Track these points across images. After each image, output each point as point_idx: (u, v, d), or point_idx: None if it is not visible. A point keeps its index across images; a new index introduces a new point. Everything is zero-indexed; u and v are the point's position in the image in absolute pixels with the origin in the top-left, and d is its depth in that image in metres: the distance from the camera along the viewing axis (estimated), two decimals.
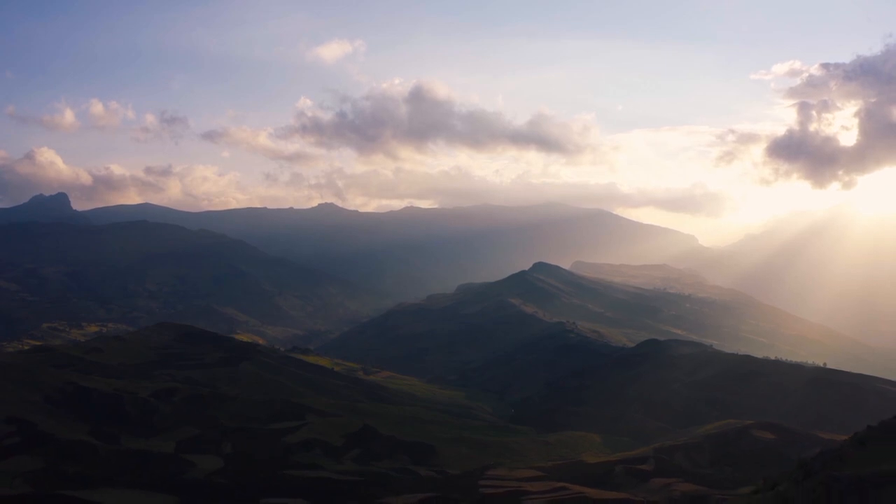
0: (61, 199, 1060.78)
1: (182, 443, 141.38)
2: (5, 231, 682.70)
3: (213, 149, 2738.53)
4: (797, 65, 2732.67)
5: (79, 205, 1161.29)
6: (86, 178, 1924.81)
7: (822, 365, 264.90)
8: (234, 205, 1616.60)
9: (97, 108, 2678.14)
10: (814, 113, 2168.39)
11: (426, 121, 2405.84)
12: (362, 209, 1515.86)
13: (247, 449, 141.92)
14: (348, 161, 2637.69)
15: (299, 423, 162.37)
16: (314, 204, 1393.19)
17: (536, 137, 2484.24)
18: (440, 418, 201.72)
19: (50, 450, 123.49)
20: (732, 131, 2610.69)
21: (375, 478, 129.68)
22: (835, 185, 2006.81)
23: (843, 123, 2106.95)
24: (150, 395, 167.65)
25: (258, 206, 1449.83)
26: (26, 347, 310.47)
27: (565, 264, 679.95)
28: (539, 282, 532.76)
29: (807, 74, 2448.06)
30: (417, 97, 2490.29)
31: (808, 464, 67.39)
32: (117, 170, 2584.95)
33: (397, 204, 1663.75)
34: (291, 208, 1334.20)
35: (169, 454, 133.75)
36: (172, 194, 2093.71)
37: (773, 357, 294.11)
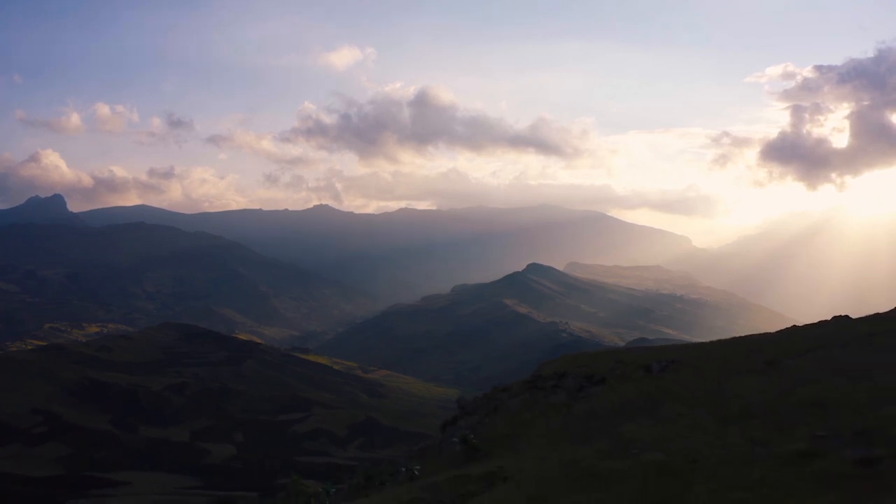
0: (58, 200, 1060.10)
1: (196, 432, 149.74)
2: (3, 233, 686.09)
3: (216, 152, 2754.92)
4: (791, 67, 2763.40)
5: (75, 206, 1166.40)
6: (87, 181, 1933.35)
7: None
8: (234, 207, 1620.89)
9: (103, 111, 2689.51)
10: (806, 115, 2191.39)
11: (429, 125, 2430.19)
12: (361, 210, 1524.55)
13: (257, 438, 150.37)
14: (349, 164, 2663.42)
15: (305, 414, 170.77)
16: (310, 206, 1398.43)
17: (535, 141, 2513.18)
18: (438, 413, 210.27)
19: (76, 437, 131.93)
20: (727, 134, 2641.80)
21: (379, 463, 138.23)
22: (828, 187, 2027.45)
23: (835, 125, 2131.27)
24: (163, 390, 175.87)
25: (255, 207, 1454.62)
26: (30, 347, 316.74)
27: (560, 266, 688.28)
28: (533, 283, 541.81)
29: (801, 77, 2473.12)
30: (421, 102, 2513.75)
31: None
32: (119, 172, 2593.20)
33: (395, 206, 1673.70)
34: (287, 210, 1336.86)
35: (185, 442, 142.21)
36: (172, 196, 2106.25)
37: None
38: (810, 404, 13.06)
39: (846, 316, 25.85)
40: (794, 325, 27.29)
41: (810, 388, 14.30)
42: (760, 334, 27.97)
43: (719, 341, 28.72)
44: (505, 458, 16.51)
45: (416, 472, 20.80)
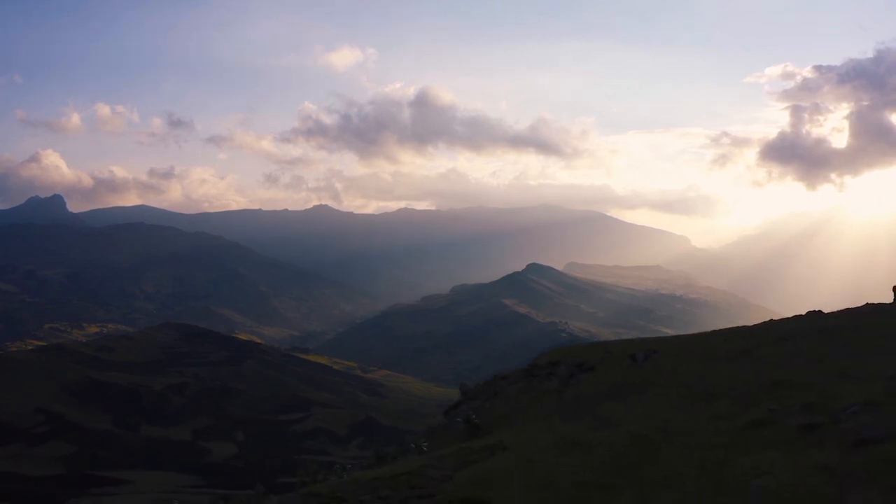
0: (57, 200, 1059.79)
1: (197, 431, 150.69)
2: (3, 233, 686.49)
3: (216, 152, 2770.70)
4: (790, 67, 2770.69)
5: (75, 206, 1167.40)
6: (87, 181, 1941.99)
7: None
8: (234, 207, 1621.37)
9: (103, 111, 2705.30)
10: (806, 116, 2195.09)
11: (429, 126, 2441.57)
12: (361, 211, 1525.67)
13: (258, 437, 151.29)
14: (349, 164, 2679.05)
15: (305, 414, 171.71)
16: (310, 206, 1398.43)
17: (535, 141, 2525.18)
18: (438, 413, 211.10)
19: (78, 437, 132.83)
20: (726, 134, 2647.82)
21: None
22: (828, 188, 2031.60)
23: (834, 126, 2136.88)
24: (164, 389, 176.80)
25: (255, 207, 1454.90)
26: (30, 347, 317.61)
27: (559, 266, 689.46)
28: (533, 283, 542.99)
29: (800, 77, 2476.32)
30: (421, 102, 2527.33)
31: None
32: (119, 172, 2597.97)
33: (395, 206, 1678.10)
34: (286, 210, 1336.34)
35: (186, 441, 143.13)
36: (172, 196, 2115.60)
37: None
38: (772, 385, 14.40)
39: (819, 311, 27.27)
40: (771, 319, 28.64)
41: (774, 373, 15.75)
42: (739, 327, 29.42)
43: (700, 334, 30.14)
44: (503, 435, 17.97)
45: (425, 448, 22.30)
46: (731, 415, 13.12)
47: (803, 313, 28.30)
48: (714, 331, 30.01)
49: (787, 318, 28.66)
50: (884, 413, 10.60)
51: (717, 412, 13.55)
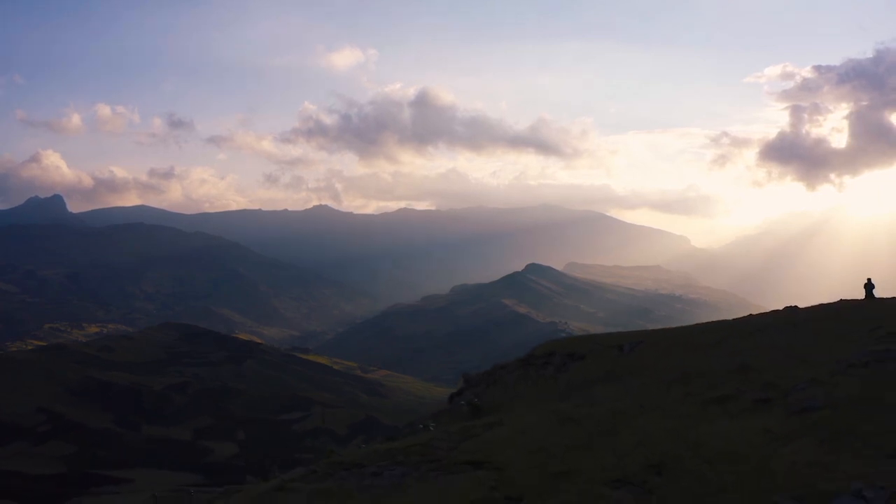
0: (57, 200, 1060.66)
1: (198, 431, 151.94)
2: (3, 233, 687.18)
3: (215, 152, 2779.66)
4: (790, 67, 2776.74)
5: (75, 206, 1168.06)
6: (87, 181, 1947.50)
7: None
8: (234, 207, 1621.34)
9: (104, 111, 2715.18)
10: (805, 116, 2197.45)
11: (429, 126, 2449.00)
12: (360, 211, 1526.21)
13: (259, 437, 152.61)
14: (349, 164, 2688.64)
15: (306, 413, 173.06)
16: (310, 206, 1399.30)
17: (535, 141, 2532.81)
18: (439, 411, 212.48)
19: (79, 436, 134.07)
20: (726, 134, 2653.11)
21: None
22: (828, 188, 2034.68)
23: (834, 126, 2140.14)
24: (165, 389, 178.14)
25: (255, 208, 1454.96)
26: (30, 347, 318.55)
27: (559, 266, 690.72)
28: (532, 283, 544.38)
29: (800, 77, 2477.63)
30: (421, 102, 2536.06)
31: None
32: (119, 172, 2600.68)
33: (395, 206, 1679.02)
34: (286, 210, 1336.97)
35: (187, 441, 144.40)
36: (172, 196, 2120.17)
37: None
38: (739, 369, 16.08)
39: (795, 306, 28.93)
40: (750, 314, 30.20)
41: (742, 359, 17.60)
42: (719, 321, 31.12)
43: (683, 327, 31.72)
44: (502, 415, 19.70)
45: (432, 428, 24.20)
46: (700, 393, 15.00)
47: (780, 308, 29.94)
48: (696, 324, 31.70)
49: (765, 313, 30.37)
50: (825, 389, 12.40)
51: (688, 391, 15.38)
